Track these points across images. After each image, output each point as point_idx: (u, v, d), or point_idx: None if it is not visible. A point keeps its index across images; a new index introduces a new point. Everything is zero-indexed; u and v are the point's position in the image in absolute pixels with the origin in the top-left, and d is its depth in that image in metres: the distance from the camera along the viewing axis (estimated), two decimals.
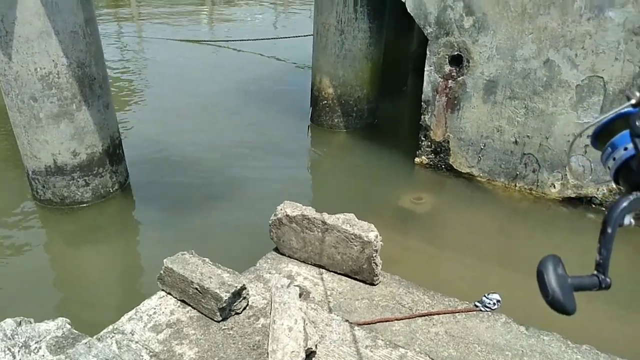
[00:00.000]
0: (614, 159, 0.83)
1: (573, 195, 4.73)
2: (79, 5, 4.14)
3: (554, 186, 4.80)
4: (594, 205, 4.65)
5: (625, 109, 0.81)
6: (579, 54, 4.36)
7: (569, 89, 4.48)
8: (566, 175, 4.71)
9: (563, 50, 4.41)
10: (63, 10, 4.03)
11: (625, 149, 0.80)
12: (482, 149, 5.09)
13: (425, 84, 5.25)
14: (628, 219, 0.78)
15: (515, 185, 5.01)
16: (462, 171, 5.29)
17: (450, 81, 5.08)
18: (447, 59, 5.04)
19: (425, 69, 5.20)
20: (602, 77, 4.31)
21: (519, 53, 4.61)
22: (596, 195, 4.62)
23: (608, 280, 0.77)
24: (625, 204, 0.77)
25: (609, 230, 0.77)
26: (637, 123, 0.77)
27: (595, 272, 0.77)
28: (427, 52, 5.13)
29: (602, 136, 0.87)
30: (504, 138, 4.94)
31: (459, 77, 5.02)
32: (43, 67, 4.09)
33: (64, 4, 4.02)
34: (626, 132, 0.80)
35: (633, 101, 0.80)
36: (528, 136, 4.80)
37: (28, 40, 3.97)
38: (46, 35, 4.01)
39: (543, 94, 4.62)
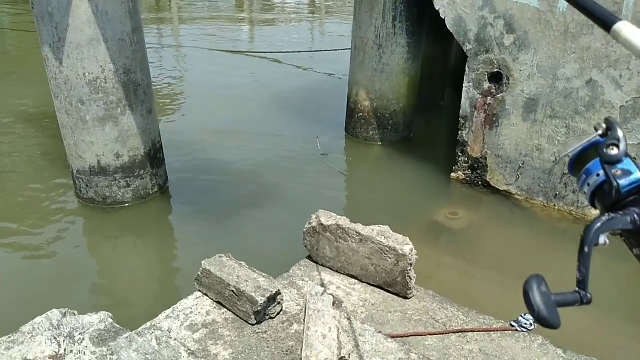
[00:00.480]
0: (589, 184, 0.91)
1: None
2: (128, 15, 4.30)
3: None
4: None
5: (594, 139, 0.90)
6: (623, 75, 4.26)
7: (612, 109, 4.38)
8: None
9: (607, 70, 4.32)
10: (112, 19, 4.20)
11: (598, 175, 0.88)
12: (520, 167, 5.01)
13: (463, 99, 5.22)
14: (603, 239, 0.83)
15: (555, 206, 4.91)
16: (500, 188, 5.21)
17: (489, 98, 5.04)
18: (486, 76, 5.00)
19: (464, 85, 5.18)
20: None
21: (561, 72, 4.55)
22: None
23: (589, 295, 0.82)
24: (599, 224, 0.83)
25: (586, 250, 0.82)
26: (604, 151, 0.85)
27: (576, 289, 0.83)
28: (467, 69, 5.11)
29: (577, 164, 0.95)
30: (544, 157, 4.85)
31: (498, 94, 4.97)
32: (91, 72, 4.25)
33: (114, 13, 4.19)
34: (597, 159, 0.88)
35: (600, 132, 0.88)
36: (569, 156, 4.69)
37: (79, 47, 4.15)
38: (96, 42, 4.18)
39: (585, 114, 4.53)
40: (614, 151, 0.85)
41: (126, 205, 4.73)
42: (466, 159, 5.37)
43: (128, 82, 4.45)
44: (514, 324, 2.85)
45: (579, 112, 4.55)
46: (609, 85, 4.34)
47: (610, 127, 0.88)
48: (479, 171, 5.32)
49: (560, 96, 4.61)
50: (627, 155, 0.85)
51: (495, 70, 4.92)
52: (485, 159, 5.22)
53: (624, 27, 0.70)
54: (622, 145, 0.85)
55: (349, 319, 2.54)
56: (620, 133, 0.86)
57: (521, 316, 2.87)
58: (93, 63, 4.24)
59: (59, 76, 4.28)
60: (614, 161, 0.85)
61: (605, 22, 0.77)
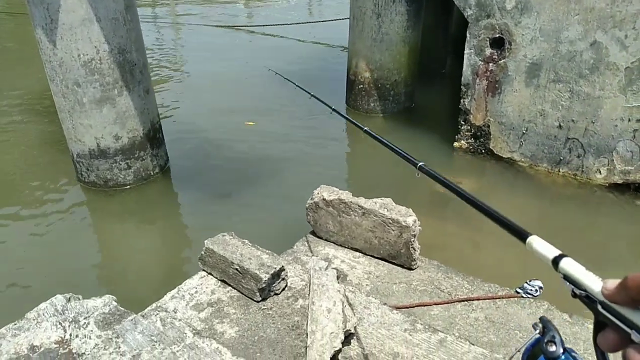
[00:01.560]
0: None
1: (620, 182, 4.55)
2: None
3: (600, 172, 4.63)
4: None
5: (535, 337, 1.05)
6: (629, 35, 4.16)
7: (617, 71, 4.29)
8: (612, 160, 4.53)
9: (612, 31, 4.21)
10: None
11: None
12: (524, 133, 4.95)
13: (465, 67, 5.13)
14: None
15: (559, 171, 4.86)
16: (503, 156, 5.16)
17: (491, 64, 4.95)
18: (488, 42, 4.90)
19: (465, 51, 5.08)
20: None
21: (564, 35, 4.44)
22: None
23: None
24: None
25: None
26: (545, 347, 0.99)
27: None
28: (467, 35, 5.00)
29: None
30: (548, 122, 4.79)
31: (500, 60, 4.87)
32: (86, 54, 4.19)
33: None
34: (542, 356, 1.01)
35: (537, 330, 1.03)
36: (573, 120, 4.64)
37: (71, 28, 4.07)
38: (88, 22, 4.10)
39: (589, 77, 4.44)
40: (552, 348, 0.99)
41: (128, 187, 4.72)
42: (469, 127, 5.31)
43: (123, 62, 4.39)
44: (519, 290, 2.85)
45: (582, 75, 4.46)
46: (614, 46, 4.24)
47: (545, 326, 1.03)
48: (482, 139, 5.26)
49: (563, 60, 4.51)
50: (564, 350, 0.97)
51: (497, 35, 4.81)
52: (488, 126, 5.16)
53: (534, 240, 0.86)
54: (557, 342, 0.99)
55: (353, 292, 2.54)
56: (554, 331, 1.01)
57: (526, 282, 2.87)
58: (87, 44, 4.17)
59: (53, 59, 4.22)
60: (555, 357, 0.99)
61: (521, 234, 0.92)
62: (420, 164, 1.56)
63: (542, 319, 1.04)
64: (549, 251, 0.79)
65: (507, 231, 0.98)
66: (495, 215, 1.05)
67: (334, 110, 2.81)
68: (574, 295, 0.70)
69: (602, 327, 0.63)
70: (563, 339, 1.03)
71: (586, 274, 0.68)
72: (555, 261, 0.75)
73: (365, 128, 2.18)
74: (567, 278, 0.71)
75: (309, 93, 3.17)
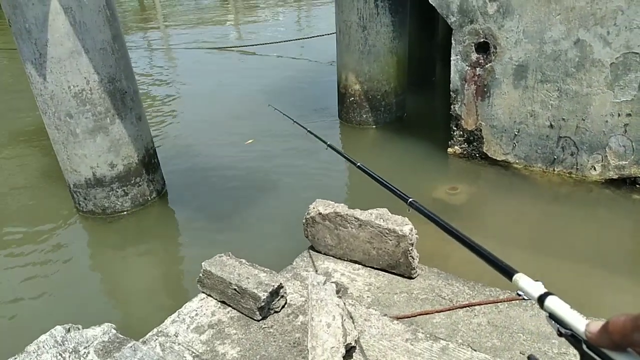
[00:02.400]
0: None
1: (615, 177, 4.57)
2: (106, 23, 4.26)
3: (595, 168, 4.65)
4: (638, 186, 4.48)
5: None
6: (611, 32, 4.20)
7: (603, 68, 4.33)
8: (606, 156, 4.55)
9: (594, 29, 4.26)
10: (91, 29, 4.15)
11: None
12: (516, 135, 4.98)
13: (452, 73, 5.17)
14: None
15: (554, 170, 4.88)
16: (497, 159, 5.18)
17: (478, 69, 4.99)
18: (473, 47, 4.95)
19: (451, 58, 5.12)
20: (638, 53, 4.14)
21: (548, 35, 4.49)
22: None
23: None
24: None
25: None
26: None
27: None
28: (452, 41, 5.05)
29: None
30: (539, 122, 4.81)
31: (486, 64, 4.92)
32: (76, 85, 4.23)
33: (92, 23, 4.15)
34: None
35: None
36: (563, 119, 4.66)
37: (60, 61, 4.12)
38: (77, 54, 4.14)
39: (576, 75, 4.48)
40: None
41: (125, 213, 4.73)
42: (461, 132, 5.34)
43: (114, 90, 4.43)
44: (520, 293, 2.84)
45: (569, 73, 4.50)
46: (597, 43, 4.28)
47: None
48: (475, 143, 5.28)
49: (549, 59, 4.56)
50: None
51: (482, 40, 4.86)
52: (480, 130, 5.19)
53: (520, 278, 0.86)
54: None
55: (353, 305, 2.54)
56: None
57: None
58: (77, 75, 4.21)
59: (44, 92, 4.25)
60: None
61: (507, 272, 0.92)
62: (411, 199, 1.60)
63: (530, 357, 1.09)
64: (535, 289, 0.80)
65: (494, 269, 0.99)
66: (483, 252, 1.07)
67: (329, 146, 2.88)
68: (560, 334, 0.70)
69: None
70: None
71: (571, 313, 0.68)
72: (541, 299, 0.75)
73: (359, 164, 2.24)
74: (552, 317, 0.72)
75: (306, 129, 3.27)
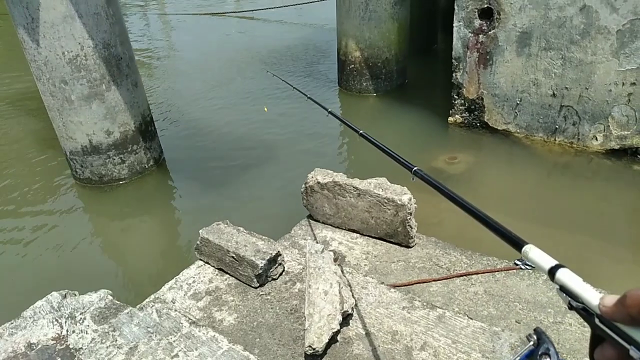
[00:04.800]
0: None
1: (617, 147, 4.52)
2: None
3: (596, 138, 4.60)
4: (639, 156, 4.44)
5: (529, 349, 1.05)
6: None
7: (608, 35, 4.24)
8: (608, 126, 4.50)
9: None
10: None
11: None
12: (518, 104, 4.91)
13: (455, 40, 5.07)
14: None
15: (555, 140, 4.83)
16: (498, 128, 5.13)
17: (481, 36, 4.88)
18: (476, 13, 4.83)
19: (454, 24, 5.01)
20: None
21: (553, 1, 4.37)
22: None
23: None
24: None
25: None
26: (538, 358, 1.00)
27: None
28: (455, 7, 4.93)
29: None
30: (541, 91, 4.74)
31: (490, 31, 4.81)
32: (70, 51, 4.14)
33: None
34: None
35: (532, 342, 1.03)
36: (566, 88, 4.59)
37: (53, 25, 4.02)
38: (70, 19, 4.04)
39: (581, 43, 4.38)
40: None
41: (123, 181, 4.71)
42: (462, 101, 5.27)
43: (109, 56, 4.34)
44: (518, 262, 2.84)
45: (574, 41, 4.40)
46: (604, 9, 4.17)
47: (539, 337, 1.02)
48: (476, 112, 5.22)
49: (553, 26, 4.45)
50: None
51: (485, 5, 4.74)
52: (482, 99, 5.12)
53: (530, 250, 0.84)
54: (552, 354, 1.00)
55: (350, 273, 2.54)
56: (549, 343, 1.01)
57: None
58: (70, 41, 4.12)
59: (37, 57, 4.17)
60: None
61: (517, 243, 0.90)
62: (415, 168, 1.55)
63: (536, 330, 1.03)
64: (546, 261, 0.77)
65: (503, 240, 0.95)
66: (492, 223, 1.02)
67: (330, 112, 2.80)
68: (570, 307, 0.67)
69: (599, 341, 0.62)
70: (557, 351, 1.02)
71: (583, 286, 0.66)
72: (552, 272, 0.73)
73: (361, 131, 2.16)
74: (563, 289, 0.69)
75: (306, 95, 3.17)
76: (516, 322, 2.43)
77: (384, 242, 3.07)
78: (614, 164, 4.49)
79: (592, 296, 0.63)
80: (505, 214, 3.90)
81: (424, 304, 2.30)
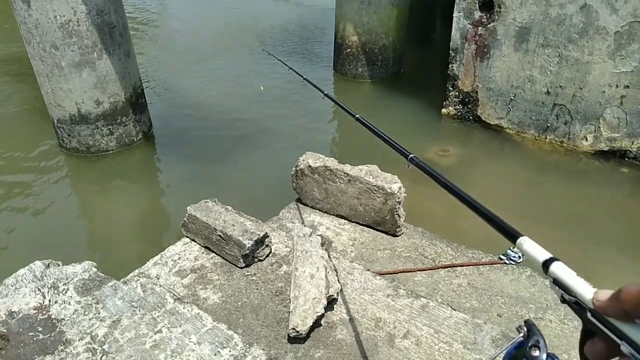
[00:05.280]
0: None
1: (606, 149, 4.57)
2: None
3: (586, 139, 4.64)
4: (627, 159, 4.49)
5: (519, 340, 1.03)
6: None
7: (606, 36, 4.24)
8: (599, 127, 4.53)
9: None
10: None
11: None
12: (512, 99, 4.92)
13: (453, 30, 5.04)
14: None
15: (546, 138, 4.86)
16: (491, 122, 5.14)
17: (480, 28, 4.86)
18: (477, 5, 4.80)
19: (454, 15, 4.97)
20: None
21: None
22: (630, 149, 4.45)
23: None
24: None
25: None
26: (527, 350, 0.97)
27: None
28: None
29: None
30: (536, 88, 4.75)
31: (489, 23, 4.79)
32: (62, 15, 4.03)
33: None
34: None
35: (522, 334, 1.01)
36: (561, 86, 4.60)
37: None
38: None
39: (578, 42, 4.39)
40: (536, 352, 0.97)
41: (110, 153, 4.64)
42: (457, 93, 5.26)
43: (102, 23, 4.24)
44: (502, 257, 2.87)
45: (572, 39, 4.40)
46: (604, 9, 4.17)
47: (529, 329, 1.01)
48: (469, 106, 5.22)
49: (553, 23, 4.44)
50: (548, 355, 0.96)
51: None
52: (476, 92, 5.11)
53: (524, 242, 0.84)
54: (541, 347, 0.98)
55: (337, 258, 2.54)
56: (539, 335, 1.00)
57: (510, 249, 2.88)
58: (63, 4, 4.01)
59: (28, 20, 4.05)
60: None
61: (511, 234, 0.91)
62: (411, 155, 1.54)
63: (527, 322, 1.04)
64: (540, 254, 0.77)
65: (498, 231, 0.96)
66: (487, 214, 1.02)
67: (326, 95, 2.75)
68: (563, 300, 0.68)
69: (590, 335, 0.62)
70: (547, 343, 1.02)
71: (577, 280, 0.66)
72: (546, 264, 0.72)
73: (357, 115, 2.13)
74: (556, 282, 0.69)
75: (302, 76, 3.11)
76: (498, 315, 2.45)
77: (372, 230, 3.07)
78: (602, 165, 4.53)
79: (585, 290, 0.63)
80: (492, 208, 3.94)
81: (409, 292, 2.31)
